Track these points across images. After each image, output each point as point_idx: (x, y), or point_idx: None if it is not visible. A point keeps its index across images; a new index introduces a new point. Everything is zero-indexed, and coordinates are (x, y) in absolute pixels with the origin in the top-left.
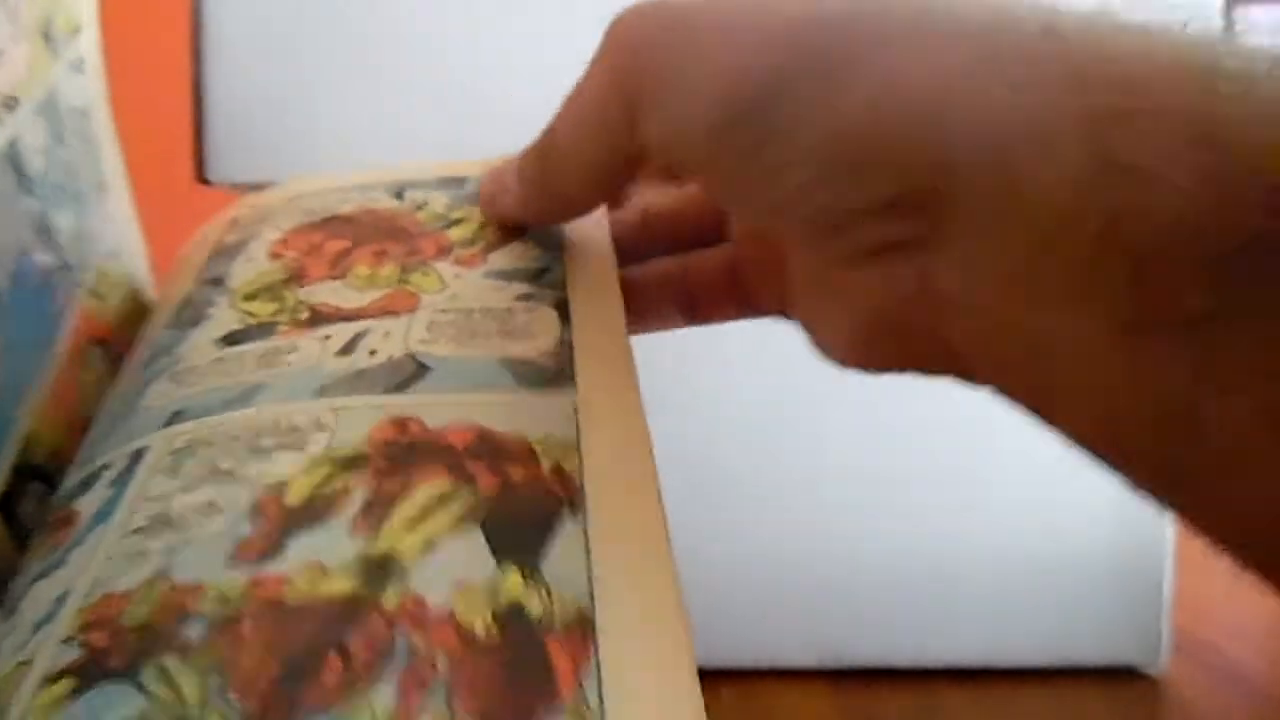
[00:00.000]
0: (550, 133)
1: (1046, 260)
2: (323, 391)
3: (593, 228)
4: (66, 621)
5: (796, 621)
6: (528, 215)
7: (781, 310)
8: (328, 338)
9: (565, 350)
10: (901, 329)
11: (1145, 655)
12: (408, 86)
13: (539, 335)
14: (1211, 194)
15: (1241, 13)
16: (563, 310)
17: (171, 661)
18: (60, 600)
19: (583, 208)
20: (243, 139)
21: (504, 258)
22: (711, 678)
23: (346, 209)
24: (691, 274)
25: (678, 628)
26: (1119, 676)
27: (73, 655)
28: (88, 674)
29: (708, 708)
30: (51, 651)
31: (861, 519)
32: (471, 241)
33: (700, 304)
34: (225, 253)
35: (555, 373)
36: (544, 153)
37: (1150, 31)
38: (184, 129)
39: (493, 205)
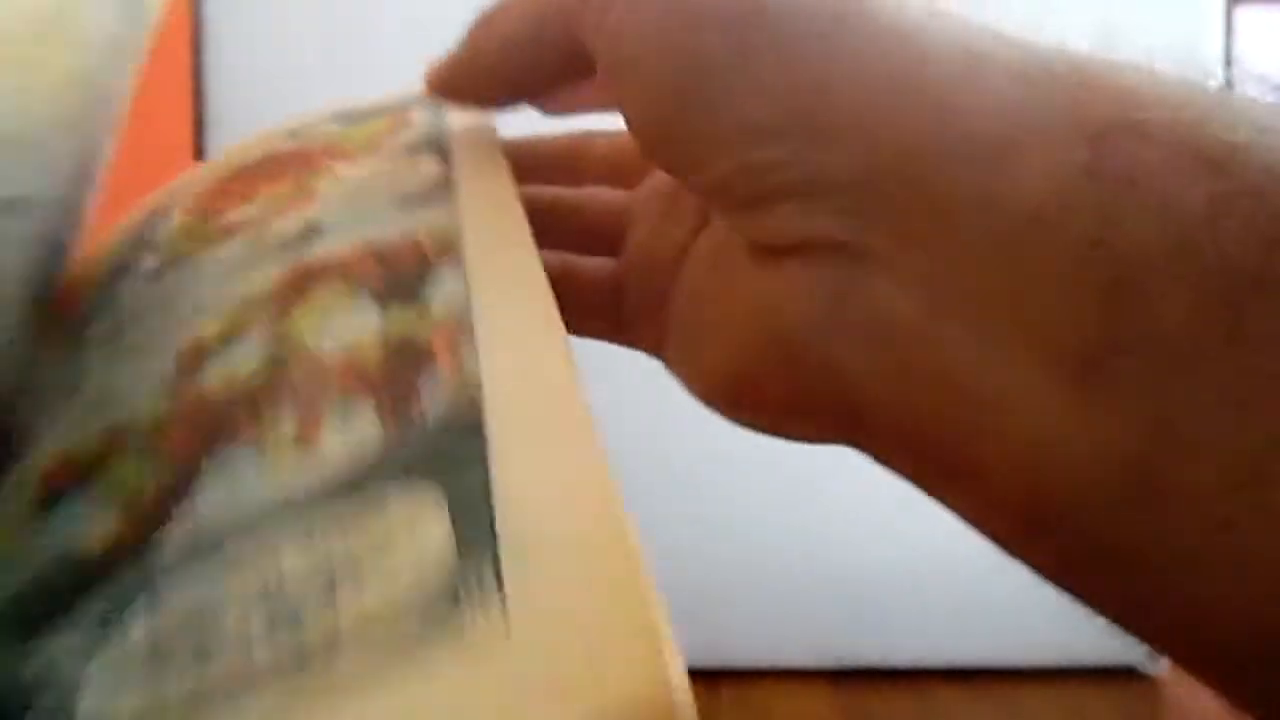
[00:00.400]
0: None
1: (1011, 273)
2: (228, 275)
3: (484, 129)
4: (32, 479)
5: (796, 621)
6: (452, 78)
7: (655, 341)
8: (236, 240)
9: (451, 179)
10: (797, 359)
11: (1145, 655)
12: (407, 87)
13: (424, 173)
14: (1220, 215)
15: (1242, 13)
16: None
17: (115, 462)
18: (24, 471)
19: (501, 88)
20: (242, 139)
21: (397, 143)
22: (711, 678)
23: (254, 157)
24: (573, 277)
25: (550, 320)
26: (1119, 676)
27: (39, 493)
28: (50, 500)
29: (708, 707)
30: (19, 499)
31: (861, 519)
32: (367, 145)
33: (571, 311)
34: (151, 218)
35: (441, 191)
36: (486, 19)
37: (1153, 65)
38: (184, 129)
39: (432, 73)
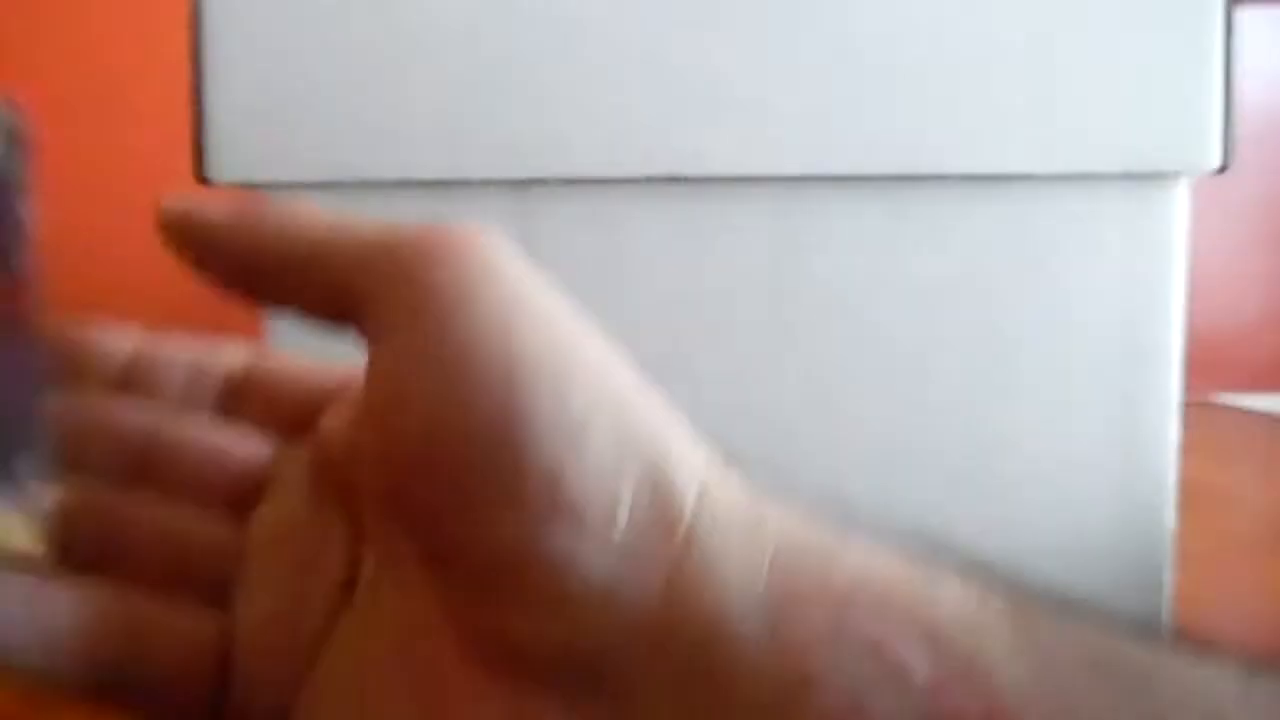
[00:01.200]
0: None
1: None
2: None
3: None
4: None
5: None
6: (193, 228)
7: None
8: None
9: None
10: None
11: None
12: (407, 87)
13: None
14: (942, 689)
15: (1242, 13)
16: None
17: None
18: None
19: (230, 269)
20: (243, 139)
21: None
22: None
23: None
24: (147, 638)
25: None
26: None
27: None
28: None
29: None
30: None
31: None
32: None
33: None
34: None
35: None
36: (267, 213)
37: (845, 533)
38: (184, 129)
39: (173, 203)
